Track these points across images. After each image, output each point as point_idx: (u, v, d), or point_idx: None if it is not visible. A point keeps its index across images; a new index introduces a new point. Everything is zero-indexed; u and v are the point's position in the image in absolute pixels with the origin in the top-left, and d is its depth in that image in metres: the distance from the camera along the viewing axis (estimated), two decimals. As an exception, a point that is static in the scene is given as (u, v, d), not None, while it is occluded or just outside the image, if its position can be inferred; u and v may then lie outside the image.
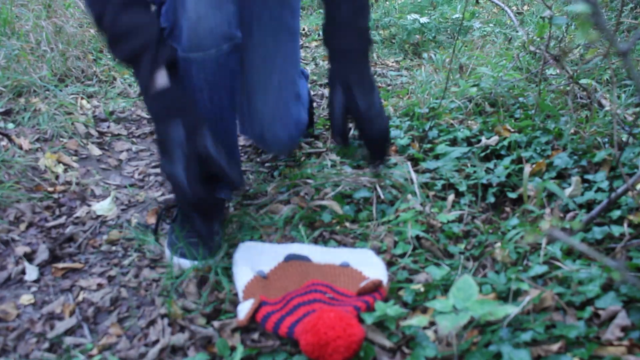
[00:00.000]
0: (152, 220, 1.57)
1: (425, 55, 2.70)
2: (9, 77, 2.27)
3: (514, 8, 3.67)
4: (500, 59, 2.51)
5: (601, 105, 1.99)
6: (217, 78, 1.29)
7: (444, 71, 2.32)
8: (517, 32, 2.92)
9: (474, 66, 2.31)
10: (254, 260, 1.30)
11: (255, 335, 1.12)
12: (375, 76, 2.57)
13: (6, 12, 2.75)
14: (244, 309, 1.14)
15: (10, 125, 2.04)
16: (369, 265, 1.28)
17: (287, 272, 1.28)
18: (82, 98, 2.32)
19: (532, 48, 2.54)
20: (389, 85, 2.46)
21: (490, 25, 3.10)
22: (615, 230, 1.26)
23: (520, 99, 2.09)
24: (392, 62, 2.70)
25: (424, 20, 2.78)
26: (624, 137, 1.60)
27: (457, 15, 2.98)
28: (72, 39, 2.70)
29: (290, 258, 1.31)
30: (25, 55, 2.44)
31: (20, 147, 1.88)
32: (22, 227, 1.52)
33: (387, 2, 3.28)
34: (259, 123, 1.58)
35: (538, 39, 2.46)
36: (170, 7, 1.23)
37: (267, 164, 1.86)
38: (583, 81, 2.10)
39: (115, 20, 1.17)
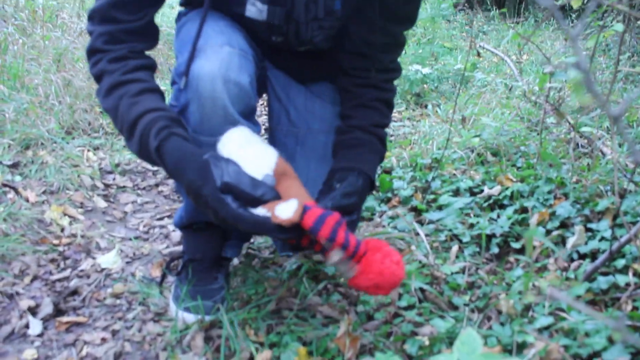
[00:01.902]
0: (156, 273, 1.57)
1: (428, 105, 2.73)
2: (17, 130, 2.31)
3: (514, 57, 3.74)
4: (502, 109, 2.54)
5: (603, 153, 2.01)
6: None
7: (447, 122, 2.35)
8: (517, 81, 2.96)
9: (475, 117, 2.34)
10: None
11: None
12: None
13: (17, 66, 2.81)
14: (286, 210, 1.04)
15: (18, 178, 2.06)
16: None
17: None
18: (88, 150, 2.35)
19: (532, 97, 2.57)
20: (391, 135, 2.49)
21: (491, 75, 3.15)
22: (620, 279, 1.25)
23: (522, 147, 2.11)
24: (395, 113, 2.73)
25: (426, 71, 2.83)
26: (626, 185, 1.61)
27: (458, 66, 3.03)
28: (80, 92, 2.76)
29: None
30: (34, 108, 2.49)
31: (27, 200, 1.90)
32: (27, 280, 1.52)
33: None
34: None
35: (538, 89, 2.50)
36: (180, 86, 1.18)
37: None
38: (584, 129, 2.13)
39: (130, 109, 1.14)
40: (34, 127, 2.36)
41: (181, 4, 1.42)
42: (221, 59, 1.13)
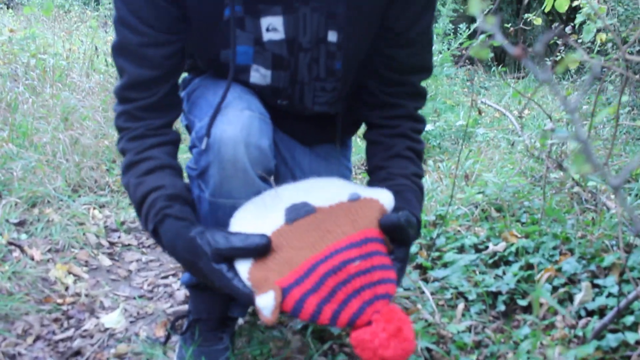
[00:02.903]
0: (160, 333, 1.56)
1: (430, 162, 2.75)
2: (24, 189, 2.33)
3: (515, 112, 3.79)
4: (505, 163, 2.56)
5: (607, 208, 2.01)
6: None
7: (450, 178, 2.37)
8: (519, 136, 2.99)
9: (478, 172, 2.36)
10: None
11: None
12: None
13: (26, 125, 2.86)
14: (267, 305, 0.98)
15: (24, 236, 2.07)
16: (377, 191, 1.18)
17: (293, 235, 1.08)
18: (94, 208, 2.37)
19: (535, 153, 2.59)
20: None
21: (493, 130, 3.19)
22: (630, 337, 1.24)
23: (526, 203, 2.11)
24: (398, 169, 2.76)
25: (428, 128, 2.86)
26: (631, 240, 1.61)
27: (460, 122, 3.07)
28: (87, 150, 2.80)
29: (291, 216, 1.11)
30: (42, 166, 2.52)
31: (32, 258, 1.90)
32: (30, 340, 1.51)
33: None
34: None
35: (540, 145, 2.52)
36: (201, 148, 1.18)
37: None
38: (589, 183, 2.13)
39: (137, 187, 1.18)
40: (41, 185, 2.38)
41: (185, 70, 1.45)
42: (242, 122, 1.14)
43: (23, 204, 2.28)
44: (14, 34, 4.52)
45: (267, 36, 1.20)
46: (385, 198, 1.14)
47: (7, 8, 7.95)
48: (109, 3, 7.52)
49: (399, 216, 1.09)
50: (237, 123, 1.14)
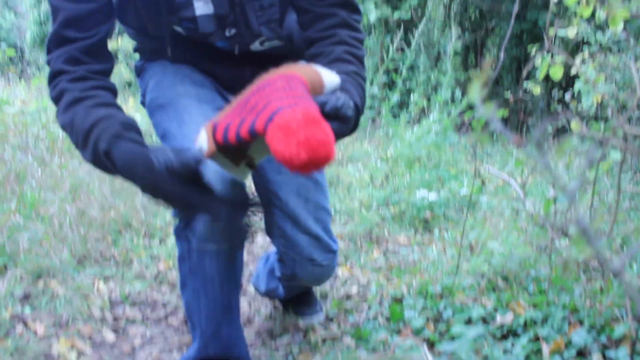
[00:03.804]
0: (163, 410, 1.53)
1: (436, 231, 2.76)
2: (30, 260, 2.33)
3: (519, 179, 3.80)
4: (510, 232, 2.56)
5: (615, 275, 2.00)
6: (228, 270, 1.36)
7: (455, 248, 2.36)
8: (523, 204, 3.00)
9: (484, 242, 2.36)
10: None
11: None
12: (387, 254, 2.62)
13: (34, 196, 2.89)
14: (201, 139, 1.09)
15: (28, 310, 2.06)
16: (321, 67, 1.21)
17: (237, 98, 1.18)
18: (99, 280, 2.36)
19: (539, 221, 2.59)
20: (400, 262, 2.49)
21: (497, 197, 3.19)
22: (645, 414, 1.21)
23: (532, 271, 2.10)
24: (403, 239, 2.75)
25: (432, 197, 2.88)
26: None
27: (464, 191, 3.09)
28: (93, 221, 2.81)
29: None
30: (48, 238, 2.53)
31: (35, 333, 1.89)
32: (31, 420, 1.48)
33: (396, 179, 3.41)
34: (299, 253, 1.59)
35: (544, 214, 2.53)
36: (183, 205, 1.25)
37: (280, 349, 1.84)
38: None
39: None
40: (46, 257, 2.38)
41: (135, 50, 1.53)
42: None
43: (28, 277, 2.28)
44: (25, 106, 4.62)
45: None
46: (325, 71, 1.19)
47: (20, 79, 8.16)
48: (116, 73, 7.72)
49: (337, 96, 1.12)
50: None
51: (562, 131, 5.45)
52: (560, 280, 1.91)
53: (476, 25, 7.16)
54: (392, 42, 5.64)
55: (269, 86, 1.10)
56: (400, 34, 5.58)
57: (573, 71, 2.79)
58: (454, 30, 5.41)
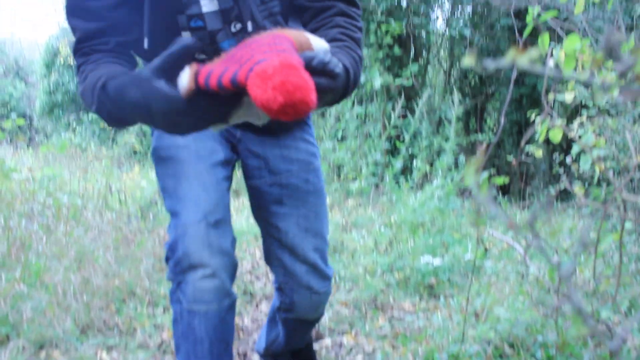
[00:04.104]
0: None
1: (442, 297, 2.74)
2: (33, 331, 2.32)
3: (523, 242, 3.79)
4: (515, 296, 2.54)
5: (623, 341, 1.97)
6: (217, 331, 1.39)
7: (461, 314, 2.35)
8: (528, 267, 2.98)
9: (489, 307, 2.34)
10: None
11: None
12: (392, 320, 2.60)
13: (39, 264, 2.89)
14: (184, 76, 1.09)
15: (29, 382, 2.03)
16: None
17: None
18: (102, 350, 2.34)
19: (545, 285, 2.58)
20: (406, 329, 2.47)
21: (502, 261, 3.19)
22: None
23: (540, 337, 2.08)
24: (409, 305, 2.73)
25: (437, 262, 2.87)
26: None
27: (468, 256, 3.08)
28: (97, 290, 2.80)
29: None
30: (52, 307, 2.52)
31: (37, 406, 1.86)
32: None
33: (401, 245, 3.42)
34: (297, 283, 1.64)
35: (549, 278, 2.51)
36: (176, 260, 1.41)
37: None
38: (602, 315, 2.10)
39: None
40: (49, 326, 2.37)
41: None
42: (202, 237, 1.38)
43: (30, 347, 2.26)
44: (32, 173, 4.68)
45: None
46: (314, 37, 1.20)
47: (27, 147, 8.29)
48: (125, 143, 7.84)
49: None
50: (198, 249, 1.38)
51: (565, 193, 5.47)
52: (568, 346, 1.89)
53: (476, 91, 7.31)
54: (393, 109, 5.74)
55: (256, 42, 1.15)
56: (401, 100, 5.69)
57: (571, 134, 2.83)
58: (456, 96, 5.51)
